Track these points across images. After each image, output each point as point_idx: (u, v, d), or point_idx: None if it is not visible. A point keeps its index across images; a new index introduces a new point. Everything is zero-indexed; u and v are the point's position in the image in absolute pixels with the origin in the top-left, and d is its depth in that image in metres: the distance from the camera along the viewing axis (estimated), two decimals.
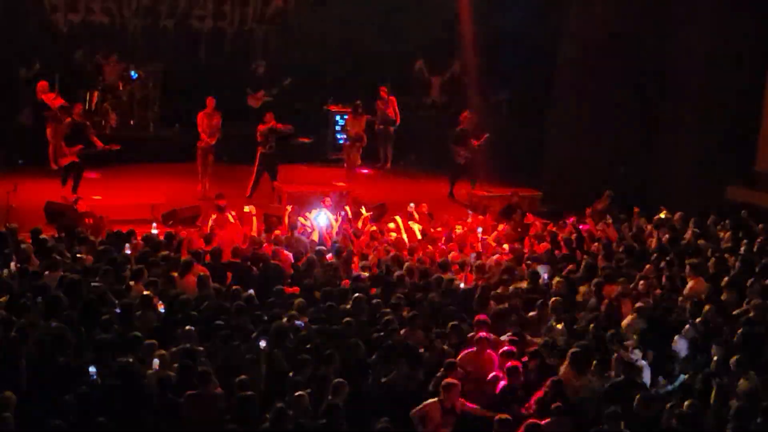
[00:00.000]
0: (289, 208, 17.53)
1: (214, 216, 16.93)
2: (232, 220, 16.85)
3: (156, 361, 10.52)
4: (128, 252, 14.68)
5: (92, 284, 12.81)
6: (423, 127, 25.87)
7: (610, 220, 17.91)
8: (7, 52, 21.43)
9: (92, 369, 10.17)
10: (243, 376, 10.39)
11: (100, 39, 23.67)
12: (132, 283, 13.21)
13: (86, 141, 19.51)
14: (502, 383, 11.08)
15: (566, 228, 17.85)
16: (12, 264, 13.40)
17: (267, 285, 13.71)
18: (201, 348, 10.96)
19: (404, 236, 16.80)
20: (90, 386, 9.98)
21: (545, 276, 14.97)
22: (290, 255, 15.13)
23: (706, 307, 13.08)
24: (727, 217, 18.26)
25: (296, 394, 10.05)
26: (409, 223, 17.52)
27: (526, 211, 19.24)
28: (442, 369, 11.12)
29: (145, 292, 12.62)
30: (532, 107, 23.35)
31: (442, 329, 12.39)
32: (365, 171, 23.58)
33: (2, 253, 13.84)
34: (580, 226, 17.90)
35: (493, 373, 11.31)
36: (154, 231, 16.20)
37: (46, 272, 13.16)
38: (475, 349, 11.57)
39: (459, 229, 17.43)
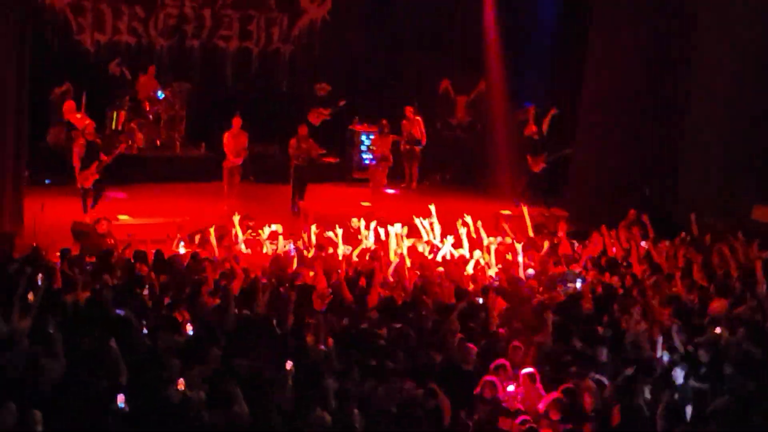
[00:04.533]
0: (314, 228, 17.47)
1: (242, 236, 16.93)
2: (267, 246, 16.76)
3: (181, 380, 10.49)
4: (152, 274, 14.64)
5: (119, 303, 12.82)
6: (449, 147, 25.89)
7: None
8: (34, 72, 21.46)
9: (120, 397, 10.11)
10: (269, 397, 10.37)
11: (127, 59, 23.74)
12: (157, 302, 13.20)
13: (98, 158, 19.61)
14: None
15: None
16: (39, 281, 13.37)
17: (296, 305, 13.65)
18: (228, 368, 10.94)
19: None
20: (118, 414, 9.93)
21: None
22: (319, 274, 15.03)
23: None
24: (755, 237, 18.13)
25: (317, 414, 10.02)
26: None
27: (556, 231, 19.13)
28: None
29: (172, 312, 12.65)
30: (558, 126, 23.28)
31: None
32: (391, 191, 23.58)
33: (29, 275, 13.75)
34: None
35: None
36: (182, 251, 16.21)
37: (72, 292, 13.17)
38: None
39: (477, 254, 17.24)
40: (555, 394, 11.16)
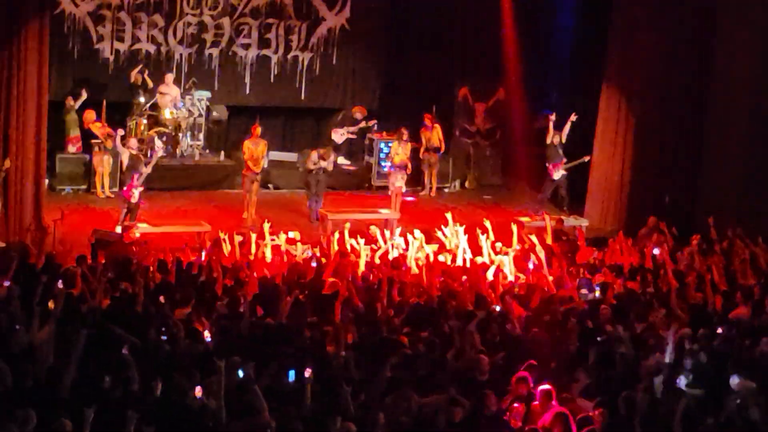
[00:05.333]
0: (337, 235, 17.49)
1: (270, 244, 16.91)
2: (287, 252, 16.75)
3: (199, 388, 10.45)
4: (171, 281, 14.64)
5: (136, 312, 12.83)
6: (467, 154, 25.87)
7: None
8: (54, 81, 21.58)
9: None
10: (288, 406, 10.33)
11: (147, 68, 23.76)
12: (176, 309, 13.18)
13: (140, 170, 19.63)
14: None
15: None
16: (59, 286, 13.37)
17: (315, 312, 13.63)
18: (249, 376, 10.89)
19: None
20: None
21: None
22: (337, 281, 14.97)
23: None
24: None
25: (341, 423, 9.97)
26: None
27: (575, 238, 19.04)
28: None
29: (191, 320, 12.64)
30: (578, 132, 23.23)
31: None
32: (410, 198, 23.56)
33: (46, 282, 13.72)
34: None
35: None
36: (202, 258, 16.20)
37: (91, 300, 13.17)
38: None
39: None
40: (556, 409, 10.91)
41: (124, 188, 19.50)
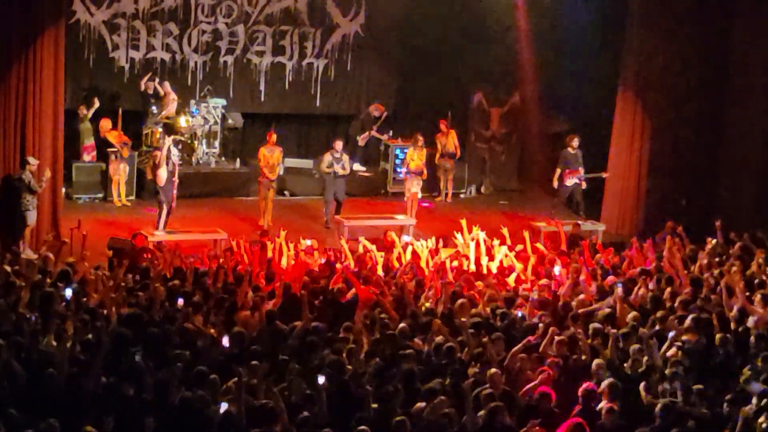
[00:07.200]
0: (344, 243, 17.50)
1: (287, 252, 16.90)
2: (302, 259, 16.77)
3: (224, 405, 10.41)
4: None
5: (153, 318, 12.86)
6: (483, 160, 25.87)
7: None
8: (70, 89, 21.65)
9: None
10: (304, 414, 10.31)
11: (157, 75, 23.77)
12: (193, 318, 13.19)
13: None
14: None
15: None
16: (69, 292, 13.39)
17: (334, 319, 13.63)
18: (267, 384, 10.89)
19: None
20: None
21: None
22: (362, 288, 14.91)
23: None
24: None
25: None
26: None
27: (595, 242, 18.99)
28: None
29: (206, 327, 12.66)
30: (593, 138, 23.20)
31: None
32: (425, 204, 23.55)
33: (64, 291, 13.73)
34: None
35: None
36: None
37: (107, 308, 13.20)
38: None
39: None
40: (574, 420, 10.77)
41: (172, 197, 19.60)
